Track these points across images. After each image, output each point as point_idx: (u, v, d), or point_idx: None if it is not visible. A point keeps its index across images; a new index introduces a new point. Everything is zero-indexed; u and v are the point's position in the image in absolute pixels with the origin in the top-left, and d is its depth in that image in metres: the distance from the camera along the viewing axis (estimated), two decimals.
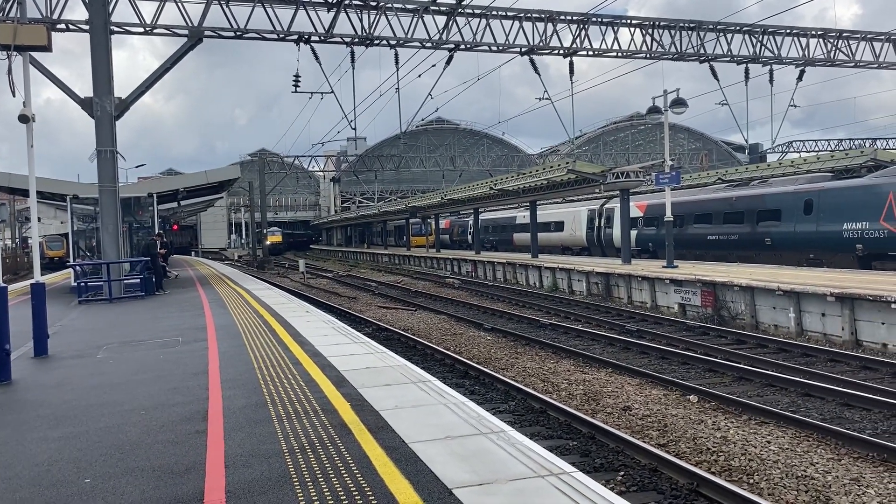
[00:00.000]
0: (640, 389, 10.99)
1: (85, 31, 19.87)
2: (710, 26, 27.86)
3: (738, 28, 28.32)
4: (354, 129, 27.94)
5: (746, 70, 29.42)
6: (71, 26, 20.77)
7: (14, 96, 10.18)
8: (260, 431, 5.74)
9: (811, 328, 15.35)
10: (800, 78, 30.50)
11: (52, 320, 12.69)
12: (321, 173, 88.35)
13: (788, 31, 29.29)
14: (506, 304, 23.54)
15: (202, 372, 8.35)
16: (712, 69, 28.65)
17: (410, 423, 5.80)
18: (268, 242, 68.77)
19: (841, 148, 64.34)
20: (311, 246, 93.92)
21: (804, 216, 22.40)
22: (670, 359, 13.35)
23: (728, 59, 28.37)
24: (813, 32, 29.67)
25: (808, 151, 65.44)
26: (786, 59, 29.23)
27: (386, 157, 71.09)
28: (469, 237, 50.92)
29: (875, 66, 30.70)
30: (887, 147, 61.10)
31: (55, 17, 20.48)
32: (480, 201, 39.69)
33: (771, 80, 30.12)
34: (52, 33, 11.38)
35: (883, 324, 13.59)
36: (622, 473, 7.27)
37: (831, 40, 29.78)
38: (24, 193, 23.04)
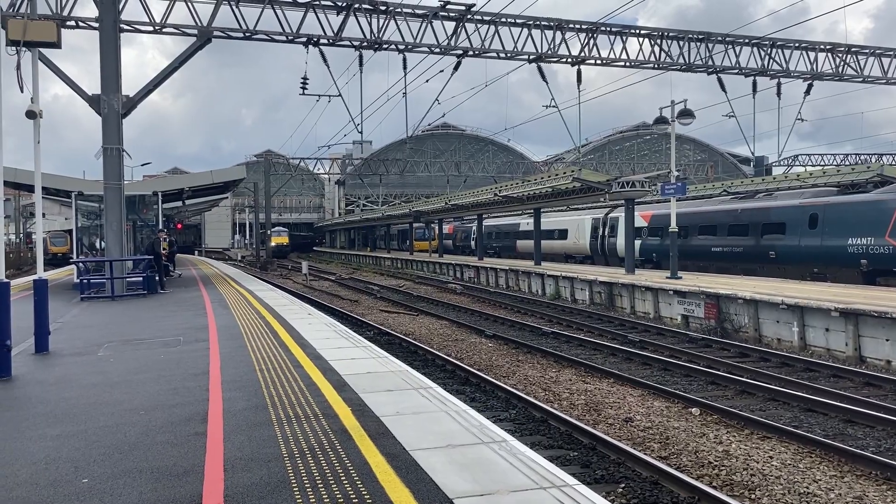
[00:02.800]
0: (643, 401, 10.93)
1: (94, 28, 19.93)
2: (719, 38, 27.86)
3: (746, 41, 28.32)
4: (361, 132, 28.09)
5: (754, 83, 29.45)
6: (81, 24, 20.80)
7: (22, 92, 10.19)
8: (260, 435, 5.70)
9: (815, 343, 15.28)
10: (807, 92, 30.53)
11: (54, 317, 12.66)
12: (326, 176, 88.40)
13: (797, 44, 29.28)
14: (508, 311, 23.49)
15: (203, 373, 8.32)
16: (720, 81, 28.66)
17: (412, 431, 5.76)
18: (273, 244, 68.12)
19: (847, 163, 64.25)
20: (314, 248, 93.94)
21: (809, 230, 22.34)
22: (673, 370, 13.28)
23: (736, 71, 28.36)
24: (821, 46, 29.66)
25: (815, 165, 65.27)
26: (794, 72, 29.23)
27: (391, 160, 71.08)
28: (472, 243, 50.91)
29: (883, 81, 30.66)
30: (894, 163, 61.02)
31: (65, 13, 20.52)
32: (484, 207, 39.67)
33: (778, 94, 30.16)
34: (62, 30, 11.40)
35: (887, 340, 13.52)
36: (623, 486, 7.22)
37: (840, 55, 29.76)
38: (30, 189, 23.03)
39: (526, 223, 42.52)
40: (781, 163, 60.53)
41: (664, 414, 10.13)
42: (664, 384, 11.98)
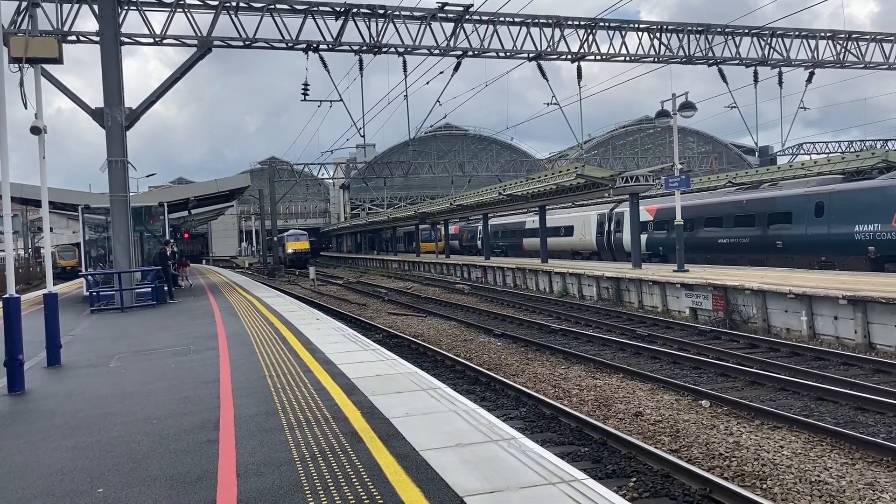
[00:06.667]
0: (652, 395, 10.95)
1: (95, 42, 20.06)
2: (718, 29, 27.82)
3: (746, 31, 28.26)
4: (363, 136, 28.21)
5: (755, 73, 29.40)
6: (82, 38, 20.96)
7: (26, 108, 10.28)
8: (271, 440, 5.76)
9: (824, 331, 15.26)
10: (809, 80, 30.44)
11: (65, 330, 12.76)
12: (331, 181, 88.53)
13: (797, 33, 29.20)
14: (516, 310, 23.51)
15: (214, 380, 8.38)
16: (721, 72, 28.63)
17: (421, 431, 5.81)
18: (290, 250, 65.01)
19: (853, 149, 64.05)
20: (321, 253, 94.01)
21: (815, 218, 22.30)
22: (682, 363, 13.29)
23: (736, 62, 28.31)
24: (822, 34, 29.57)
25: (819, 153, 65.12)
26: (795, 61, 29.15)
27: (395, 163, 71.28)
28: (479, 242, 50.94)
29: (885, 67, 30.55)
30: None
31: (66, 28, 20.67)
32: (490, 207, 39.70)
33: (780, 83, 30.07)
34: (63, 45, 11.49)
35: None
36: (634, 479, 7.25)
37: (840, 42, 29.67)
38: (36, 204, 23.24)
39: (532, 221, 42.52)
40: (786, 152, 60.38)
41: (674, 407, 10.14)
42: (674, 377, 12.00)
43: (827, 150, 67.70)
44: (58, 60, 10.67)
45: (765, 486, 7.06)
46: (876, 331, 13.99)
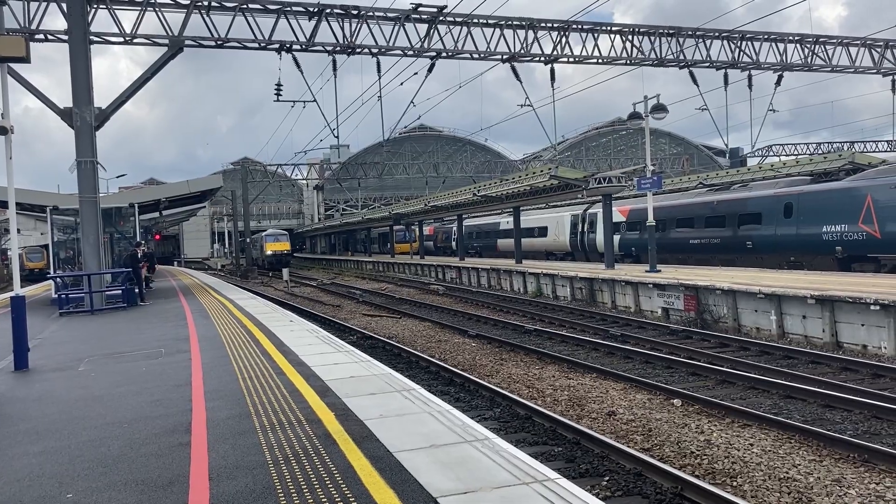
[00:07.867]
0: (625, 394, 11.04)
1: (64, 41, 19.74)
2: (689, 32, 28.12)
3: (717, 34, 28.61)
4: (337, 136, 28.06)
5: (725, 75, 29.74)
6: (50, 37, 20.63)
7: None
8: (244, 443, 5.72)
9: (792, 330, 15.50)
10: (778, 83, 30.87)
11: (33, 333, 12.55)
12: (304, 181, 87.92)
13: (766, 36, 29.63)
14: (490, 310, 23.57)
15: (185, 383, 8.30)
16: (692, 75, 28.93)
17: (395, 433, 5.80)
18: (269, 252, 62.62)
19: (821, 151, 65.10)
20: (294, 254, 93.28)
21: (784, 219, 22.63)
22: (654, 363, 13.42)
23: (707, 64, 28.65)
24: (790, 38, 30.03)
25: (789, 155, 66.07)
26: (764, 64, 29.57)
27: (369, 164, 71.02)
28: (453, 243, 50.97)
29: (851, 70, 31.11)
30: (865, 150, 61.96)
31: (34, 27, 20.34)
32: (464, 207, 39.75)
33: (750, 85, 30.47)
34: (31, 44, 11.31)
35: (862, 325, 13.75)
36: (607, 478, 7.30)
37: (808, 45, 30.15)
38: (3, 205, 22.79)
39: (506, 222, 42.66)
40: (756, 153, 61.25)
41: (647, 406, 10.24)
42: (646, 377, 12.11)
43: (796, 152, 68.67)
44: (25, 59, 10.49)
45: (735, 483, 7.16)
46: (843, 329, 14.24)
